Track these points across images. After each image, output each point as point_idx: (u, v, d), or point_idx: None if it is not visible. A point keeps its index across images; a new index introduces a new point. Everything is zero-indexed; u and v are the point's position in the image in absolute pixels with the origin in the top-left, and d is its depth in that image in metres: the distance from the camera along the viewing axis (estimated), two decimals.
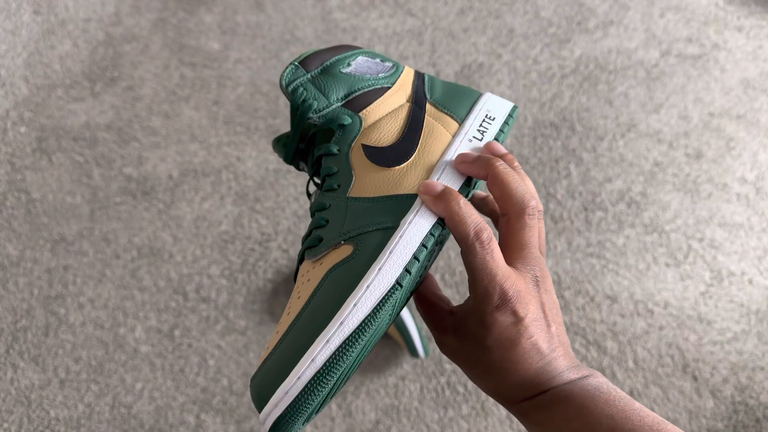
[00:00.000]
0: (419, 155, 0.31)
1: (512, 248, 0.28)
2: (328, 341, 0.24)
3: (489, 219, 0.35)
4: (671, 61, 1.08)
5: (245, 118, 1.01)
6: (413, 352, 0.82)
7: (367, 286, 0.25)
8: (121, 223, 0.93)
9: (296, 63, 0.34)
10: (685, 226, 0.93)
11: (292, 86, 0.33)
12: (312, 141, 0.34)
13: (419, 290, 0.33)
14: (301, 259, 0.31)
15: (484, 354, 0.27)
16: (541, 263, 0.29)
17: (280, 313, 0.88)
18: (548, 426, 0.26)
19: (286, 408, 0.24)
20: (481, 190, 0.38)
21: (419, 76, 0.36)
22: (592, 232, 0.93)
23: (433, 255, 0.32)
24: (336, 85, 0.33)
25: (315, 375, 0.24)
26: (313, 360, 0.24)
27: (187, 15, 1.12)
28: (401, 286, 0.26)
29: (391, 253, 0.26)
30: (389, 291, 0.25)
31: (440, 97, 0.34)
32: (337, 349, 0.24)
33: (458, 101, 0.34)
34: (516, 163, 0.31)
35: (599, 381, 0.27)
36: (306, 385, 0.24)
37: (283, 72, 0.33)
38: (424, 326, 0.86)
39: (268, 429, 0.25)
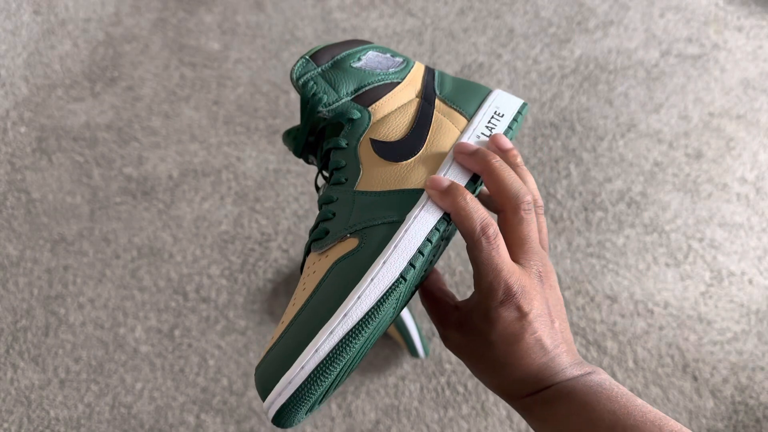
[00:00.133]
0: (427, 151, 0.31)
1: (512, 244, 0.28)
2: (331, 332, 0.25)
3: (496, 216, 0.35)
4: (671, 61, 1.08)
5: (245, 118, 1.01)
6: (413, 352, 0.82)
7: (372, 279, 0.25)
8: (121, 223, 0.93)
9: (307, 57, 0.34)
10: (685, 226, 0.94)
11: (302, 80, 0.33)
12: (321, 134, 0.35)
13: (425, 285, 0.33)
14: (307, 252, 0.31)
15: (488, 349, 0.27)
16: (544, 258, 0.29)
17: (280, 313, 0.88)
18: (551, 422, 0.26)
19: (290, 397, 0.24)
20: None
21: (429, 72, 0.36)
22: (592, 232, 0.93)
23: (438, 250, 0.32)
24: (346, 80, 0.33)
25: (318, 365, 0.24)
26: (316, 350, 0.24)
27: (187, 15, 1.12)
28: (405, 279, 0.26)
29: (396, 246, 0.26)
30: (393, 284, 0.26)
31: (450, 93, 0.35)
32: (341, 341, 0.24)
33: (467, 97, 0.34)
34: (519, 160, 0.31)
35: (602, 378, 0.27)
36: (309, 375, 0.24)
37: (294, 65, 0.34)
38: (425, 326, 0.86)
39: (271, 417, 0.25)
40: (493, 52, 1.08)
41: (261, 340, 0.86)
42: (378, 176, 0.30)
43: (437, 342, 0.86)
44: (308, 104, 0.33)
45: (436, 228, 0.28)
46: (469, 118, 0.33)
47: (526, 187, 0.30)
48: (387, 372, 0.84)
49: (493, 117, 0.33)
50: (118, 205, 0.94)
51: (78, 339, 0.86)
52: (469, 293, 0.77)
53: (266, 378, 0.25)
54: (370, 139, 0.32)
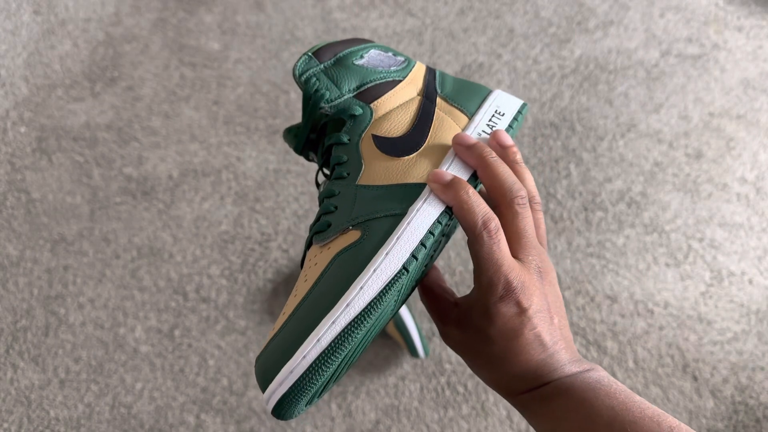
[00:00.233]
0: (429, 146, 0.31)
1: (509, 239, 0.28)
2: (334, 322, 0.25)
3: None
4: (671, 61, 1.08)
5: (245, 118, 1.01)
6: (413, 352, 0.81)
7: (374, 270, 0.26)
8: (121, 223, 0.93)
9: (310, 53, 0.34)
10: (685, 226, 0.94)
11: (305, 76, 0.33)
12: (323, 131, 0.35)
13: (424, 282, 0.33)
14: (309, 244, 0.31)
15: (487, 345, 0.27)
16: (542, 254, 0.29)
17: (279, 313, 0.88)
18: (549, 418, 0.26)
19: (290, 387, 0.24)
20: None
21: (430, 71, 0.37)
22: (592, 232, 0.93)
23: (439, 245, 0.32)
24: (348, 77, 0.33)
25: (320, 355, 0.24)
26: (318, 340, 0.24)
27: (187, 15, 1.12)
28: (408, 271, 0.26)
29: (398, 238, 0.27)
30: (396, 275, 0.26)
31: (451, 91, 0.35)
32: (343, 331, 0.24)
33: (468, 96, 0.35)
34: (518, 157, 0.31)
35: (600, 375, 0.27)
36: (311, 365, 0.24)
37: (297, 62, 0.34)
38: (425, 326, 0.86)
39: (271, 408, 0.25)
40: (493, 52, 1.09)
41: (261, 340, 0.86)
42: (380, 171, 0.30)
43: (437, 342, 0.86)
44: (310, 100, 0.33)
45: (438, 221, 0.28)
46: (471, 116, 0.34)
47: (524, 183, 0.30)
48: (387, 372, 0.84)
49: (494, 116, 0.34)
50: (118, 205, 0.94)
51: (78, 339, 0.86)
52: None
53: (267, 368, 0.25)
54: (372, 135, 0.32)
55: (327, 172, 0.35)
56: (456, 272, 0.90)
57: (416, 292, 0.81)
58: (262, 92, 1.04)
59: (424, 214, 0.28)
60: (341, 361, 0.26)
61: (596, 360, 0.85)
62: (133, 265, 0.90)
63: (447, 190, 0.28)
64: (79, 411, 0.82)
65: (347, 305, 0.25)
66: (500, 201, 0.29)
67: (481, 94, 0.35)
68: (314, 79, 0.33)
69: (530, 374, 0.27)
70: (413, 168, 0.30)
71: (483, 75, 1.06)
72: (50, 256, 0.90)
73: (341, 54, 0.34)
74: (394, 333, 0.83)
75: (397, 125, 0.32)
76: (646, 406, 0.25)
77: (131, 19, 1.12)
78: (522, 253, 0.28)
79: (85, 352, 0.85)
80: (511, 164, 0.30)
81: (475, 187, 0.31)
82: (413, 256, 0.26)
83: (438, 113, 0.33)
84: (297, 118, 1.02)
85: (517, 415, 0.82)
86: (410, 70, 0.35)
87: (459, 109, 0.34)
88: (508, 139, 0.31)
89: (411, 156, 0.31)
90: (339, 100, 0.33)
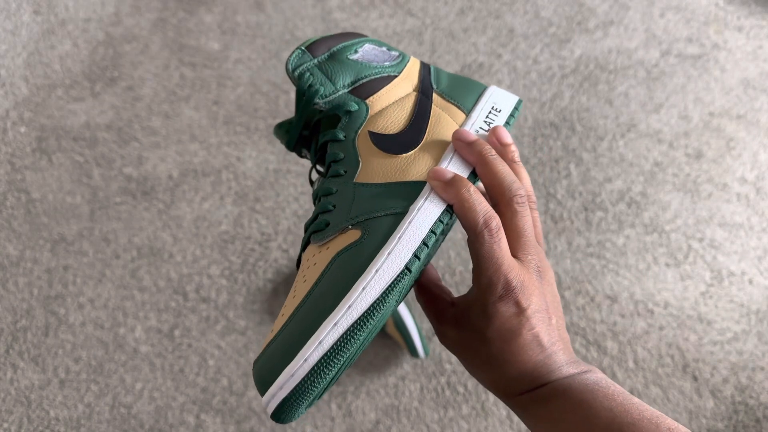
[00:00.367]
0: (427, 143, 0.31)
1: (509, 238, 0.28)
2: (336, 324, 0.24)
3: None
4: (671, 61, 1.08)
5: (245, 118, 1.01)
6: (413, 352, 0.81)
7: (377, 271, 0.25)
8: (121, 223, 0.93)
9: (303, 48, 0.33)
10: (685, 226, 0.93)
11: (298, 71, 0.33)
12: (316, 128, 0.34)
13: (420, 281, 0.32)
14: (305, 244, 0.31)
15: (485, 345, 0.27)
16: (540, 253, 0.28)
17: (279, 313, 0.88)
18: (546, 419, 0.26)
19: (291, 390, 0.24)
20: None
21: (425, 67, 0.36)
22: (592, 232, 0.93)
23: (438, 243, 0.32)
24: (343, 72, 0.33)
25: (322, 358, 0.24)
26: (320, 343, 0.24)
27: (187, 15, 1.12)
28: (410, 271, 0.26)
29: (400, 238, 0.26)
30: (398, 276, 0.25)
31: (447, 87, 0.34)
32: (345, 333, 0.24)
33: (465, 92, 0.34)
34: (516, 156, 0.31)
35: (598, 376, 0.26)
36: (312, 368, 0.24)
37: (290, 56, 0.33)
38: (425, 326, 0.86)
39: (271, 412, 0.24)
40: (493, 52, 1.09)
41: (261, 340, 0.86)
42: (378, 168, 0.30)
43: (437, 342, 0.86)
44: (304, 96, 0.32)
45: (440, 220, 0.27)
46: (467, 112, 0.33)
47: (521, 182, 0.29)
48: (387, 372, 0.84)
49: (491, 112, 0.33)
50: (118, 205, 0.94)
51: (78, 339, 0.86)
52: None
53: (266, 371, 0.25)
54: (369, 131, 0.31)
55: (321, 169, 0.35)
56: (456, 272, 0.90)
57: (412, 292, 0.81)
58: (262, 92, 1.04)
59: (426, 213, 0.27)
60: (342, 363, 0.25)
61: (596, 360, 0.85)
62: (133, 265, 0.90)
63: (448, 187, 0.28)
64: (79, 411, 0.82)
65: (349, 307, 0.24)
66: (499, 199, 0.28)
67: (477, 90, 0.35)
68: (308, 74, 0.33)
69: (528, 375, 0.26)
70: (412, 165, 0.30)
71: (483, 75, 1.06)
72: (50, 256, 0.90)
73: (335, 48, 0.34)
74: (394, 333, 0.83)
75: (394, 122, 0.32)
76: (645, 408, 0.24)
77: (131, 19, 1.12)
78: (521, 252, 0.28)
79: (85, 352, 0.85)
80: (509, 162, 0.30)
81: (474, 184, 0.31)
82: (416, 256, 0.26)
83: (435, 110, 0.33)
84: None
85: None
86: (405, 66, 0.35)
87: (456, 105, 0.33)
88: (507, 137, 0.31)
89: (409, 153, 0.30)
90: (333, 96, 0.32)
